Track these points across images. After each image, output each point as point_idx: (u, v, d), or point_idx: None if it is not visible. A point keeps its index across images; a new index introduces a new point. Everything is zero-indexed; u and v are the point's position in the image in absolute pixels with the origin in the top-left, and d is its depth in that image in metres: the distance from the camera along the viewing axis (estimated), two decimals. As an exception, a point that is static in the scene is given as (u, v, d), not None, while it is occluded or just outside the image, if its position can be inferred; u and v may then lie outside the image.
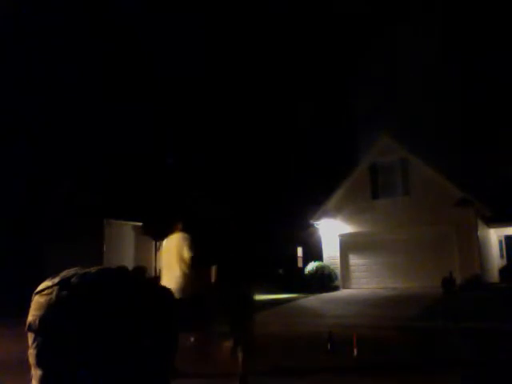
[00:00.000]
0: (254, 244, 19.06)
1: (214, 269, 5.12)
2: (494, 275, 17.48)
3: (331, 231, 18.33)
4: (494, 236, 19.48)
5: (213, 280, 5.07)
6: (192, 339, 7.38)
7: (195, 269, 5.13)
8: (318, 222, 18.73)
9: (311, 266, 17.76)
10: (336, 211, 18.24)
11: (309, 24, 36.95)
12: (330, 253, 18.28)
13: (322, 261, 18.13)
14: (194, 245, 5.17)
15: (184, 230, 5.45)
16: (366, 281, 17.35)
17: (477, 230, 15.88)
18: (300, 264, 21.82)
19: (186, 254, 5.15)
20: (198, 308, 5.09)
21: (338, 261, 18.00)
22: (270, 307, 11.92)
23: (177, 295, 4.93)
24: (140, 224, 21.54)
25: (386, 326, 8.58)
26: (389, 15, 33.35)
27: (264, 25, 35.48)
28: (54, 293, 0.64)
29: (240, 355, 4.71)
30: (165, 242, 5.65)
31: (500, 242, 19.91)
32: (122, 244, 21.43)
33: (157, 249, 22.11)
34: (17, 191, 20.34)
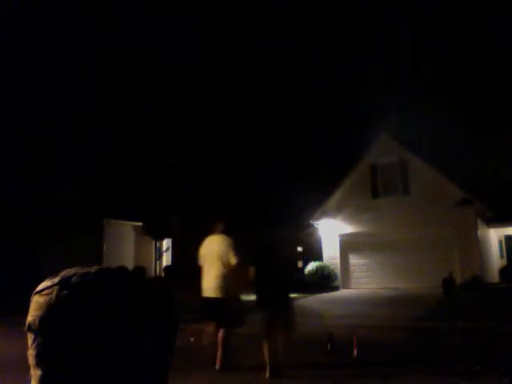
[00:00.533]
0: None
1: (251, 270, 5.46)
2: (493, 275, 17.46)
3: (331, 231, 18.32)
4: (494, 236, 19.45)
5: (250, 280, 5.45)
6: (192, 339, 7.39)
7: (237, 272, 5.47)
8: (317, 222, 18.71)
9: (311, 266, 17.75)
10: (336, 211, 18.22)
11: (309, 23, 36.93)
12: (330, 253, 18.26)
13: (322, 261, 18.11)
14: (238, 251, 5.47)
15: (224, 232, 5.64)
16: (365, 281, 17.34)
17: (477, 230, 15.87)
18: (300, 264, 21.82)
19: (233, 260, 5.43)
20: (233, 307, 5.48)
21: (338, 261, 17.99)
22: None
23: (216, 295, 5.43)
24: (140, 224, 21.53)
25: (385, 326, 8.58)
26: (390, 15, 33.33)
27: (264, 25, 35.46)
28: (54, 293, 0.64)
29: (283, 342, 5.25)
30: (205, 242, 5.78)
31: (500, 242, 19.89)
32: (122, 244, 21.41)
33: (157, 249, 22.12)
34: (17, 191, 20.32)
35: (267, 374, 5.11)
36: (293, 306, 5.81)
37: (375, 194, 17.72)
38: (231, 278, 5.43)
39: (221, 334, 5.44)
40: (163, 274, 20.71)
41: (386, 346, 6.92)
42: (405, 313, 9.86)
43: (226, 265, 5.44)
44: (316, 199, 19.04)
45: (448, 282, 13.71)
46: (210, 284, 5.49)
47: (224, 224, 5.70)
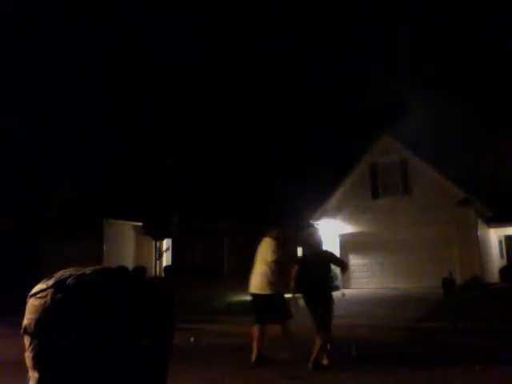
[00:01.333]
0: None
1: (293, 270, 5.95)
2: (493, 275, 17.45)
3: (331, 231, 18.29)
4: (494, 236, 19.44)
5: (292, 277, 5.92)
6: (192, 339, 7.39)
7: (277, 270, 6.00)
8: (317, 222, 18.69)
9: (311, 266, 17.73)
10: (336, 211, 18.20)
11: (309, 23, 36.92)
12: (330, 253, 18.22)
13: (322, 261, 18.05)
14: (277, 250, 6.04)
15: (272, 235, 6.27)
16: (366, 281, 17.32)
17: (477, 230, 15.85)
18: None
19: (270, 257, 6.01)
20: (277, 303, 5.91)
21: (338, 261, 17.95)
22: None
23: (258, 291, 5.96)
24: (140, 224, 21.53)
25: (385, 326, 8.58)
26: (390, 15, 33.34)
27: (264, 25, 35.45)
28: (49, 295, 0.63)
29: (317, 341, 5.44)
30: (260, 244, 6.37)
31: (500, 242, 19.88)
32: (122, 244, 21.42)
33: (157, 249, 22.12)
34: (17, 191, 20.32)
35: (325, 361, 5.53)
36: (329, 307, 5.70)
37: (375, 194, 17.70)
38: (272, 276, 5.95)
39: (282, 329, 5.88)
40: (163, 274, 20.71)
41: (386, 345, 6.92)
42: (405, 313, 9.85)
43: (267, 264, 6.01)
44: (316, 199, 19.04)
45: (448, 282, 13.68)
46: (254, 282, 6.07)
47: (273, 230, 6.39)
